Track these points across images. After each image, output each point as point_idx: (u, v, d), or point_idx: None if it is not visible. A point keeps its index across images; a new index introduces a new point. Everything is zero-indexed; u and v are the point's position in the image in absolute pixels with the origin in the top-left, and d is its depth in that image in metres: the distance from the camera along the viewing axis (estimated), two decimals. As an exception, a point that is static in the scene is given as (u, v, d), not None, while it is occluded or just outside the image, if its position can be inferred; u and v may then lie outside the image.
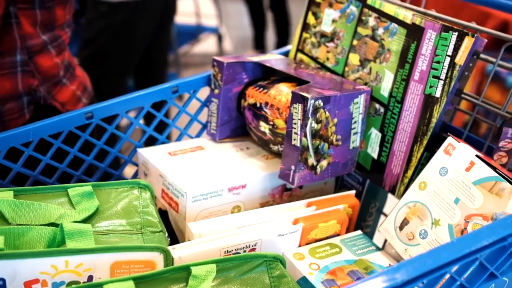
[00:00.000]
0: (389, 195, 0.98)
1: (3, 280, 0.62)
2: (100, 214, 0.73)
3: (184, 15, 3.70)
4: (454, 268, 0.55)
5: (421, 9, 0.91)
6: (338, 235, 0.82)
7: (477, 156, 0.71)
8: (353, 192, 0.88)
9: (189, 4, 3.84)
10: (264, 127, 0.87)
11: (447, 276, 0.57)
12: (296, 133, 0.78)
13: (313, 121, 0.77)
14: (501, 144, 0.79)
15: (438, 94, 0.79)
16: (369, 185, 0.94)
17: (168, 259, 0.67)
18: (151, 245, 0.66)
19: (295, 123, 0.77)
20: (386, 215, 0.93)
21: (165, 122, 0.95)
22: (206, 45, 4.01)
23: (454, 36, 0.77)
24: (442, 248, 0.53)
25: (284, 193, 0.89)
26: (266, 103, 0.86)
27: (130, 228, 0.72)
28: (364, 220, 0.97)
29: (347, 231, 0.84)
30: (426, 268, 0.51)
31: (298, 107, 0.76)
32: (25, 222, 0.69)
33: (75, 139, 0.87)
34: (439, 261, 0.51)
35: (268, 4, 3.84)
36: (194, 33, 3.88)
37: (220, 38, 3.96)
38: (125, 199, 0.76)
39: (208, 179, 0.82)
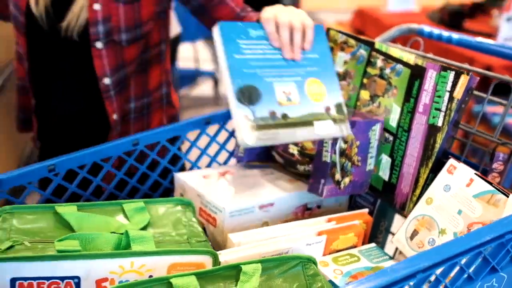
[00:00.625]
0: (396, 216, 1.10)
1: (78, 278, 0.72)
2: (151, 226, 0.84)
3: (184, 60, 3.88)
4: (463, 260, 0.67)
5: (421, 52, 1.06)
6: (355, 246, 0.94)
7: (475, 173, 0.84)
8: (366, 210, 1.00)
9: (188, 50, 4.02)
10: (293, 149, 0.99)
11: (457, 268, 0.68)
12: (326, 151, 0.91)
13: (341, 141, 0.90)
14: (494, 166, 0.92)
15: (440, 124, 0.92)
16: (379, 206, 1.06)
17: (216, 262, 0.77)
18: (203, 249, 0.77)
19: (325, 142, 0.91)
20: (393, 234, 1.05)
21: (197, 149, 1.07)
22: (204, 87, 4.18)
23: (451, 75, 0.91)
24: (453, 242, 0.65)
25: (306, 212, 1.01)
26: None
27: (178, 238, 0.83)
28: (376, 237, 1.08)
29: (362, 243, 0.96)
30: (442, 257, 0.63)
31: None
32: (89, 232, 0.80)
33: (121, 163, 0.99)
34: (451, 252, 0.63)
35: None
36: (192, 76, 4.06)
37: (216, 82, 4.13)
38: (172, 213, 0.87)
39: (242, 198, 0.94)
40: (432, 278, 0.67)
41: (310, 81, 0.90)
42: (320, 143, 0.91)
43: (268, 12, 0.91)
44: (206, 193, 0.95)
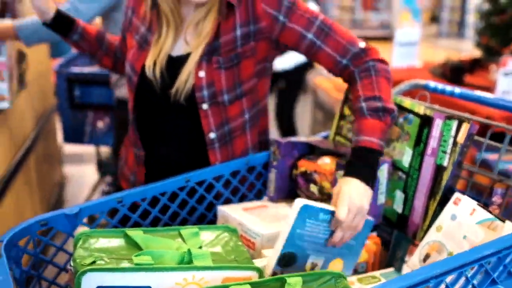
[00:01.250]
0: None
1: (150, 287, 0.88)
2: (204, 247, 1.00)
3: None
4: (469, 271, 0.82)
5: (428, 104, 1.24)
6: (367, 262, 1.09)
7: (477, 204, 1.00)
8: (375, 233, 1.15)
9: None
10: (313, 188, 1.16)
11: (463, 279, 0.84)
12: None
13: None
14: (493, 199, 1.09)
15: (446, 164, 1.09)
16: (395, 237, 1.21)
17: (261, 276, 0.93)
18: (251, 265, 0.93)
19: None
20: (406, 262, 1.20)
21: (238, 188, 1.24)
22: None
23: (455, 123, 1.09)
24: (459, 255, 0.81)
25: (331, 240, 1.16)
26: (315, 171, 1.16)
27: (228, 258, 0.98)
28: (392, 265, 1.23)
29: (373, 260, 1.11)
30: (450, 266, 0.78)
31: (342, 172, 1.07)
32: (155, 249, 0.95)
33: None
34: (457, 262, 0.79)
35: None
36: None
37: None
38: (220, 238, 1.03)
39: (275, 226, 1.10)
40: (442, 286, 0.82)
41: (335, 261, 1.05)
42: (334, 182, 1.08)
43: (343, 202, 1.00)
44: (246, 222, 1.11)
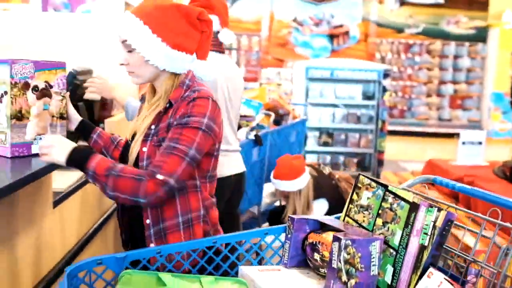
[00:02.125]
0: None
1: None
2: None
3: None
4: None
5: (418, 191, 1.45)
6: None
7: (444, 278, 1.19)
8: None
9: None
10: (316, 256, 1.39)
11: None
12: (334, 260, 1.30)
13: (344, 253, 1.30)
14: (468, 278, 1.26)
15: (426, 243, 1.29)
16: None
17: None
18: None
19: (334, 254, 1.30)
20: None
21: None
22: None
23: (435, 210, 1.30)
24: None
25: (330, 304, 1.37)
26: (319, 242, 1.40)
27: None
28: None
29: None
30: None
31: (336, 244, 1.30)
32: (178, 291, 1.23)
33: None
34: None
35: None
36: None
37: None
38: (231, 287, 1.29)
39: (283, 285, 1.34)
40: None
41: None
42: (331, 254, 1.31)
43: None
44: (257, 280, 1.36)
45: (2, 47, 3.44)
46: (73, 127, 1.89)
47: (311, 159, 6.92)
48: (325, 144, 6.98)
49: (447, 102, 12.16)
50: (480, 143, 3.95)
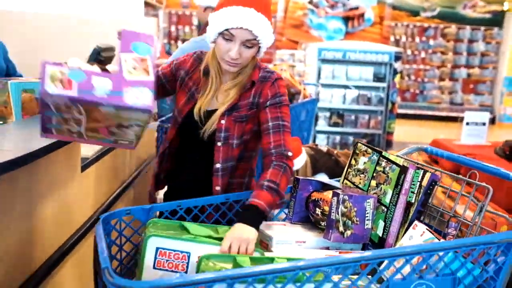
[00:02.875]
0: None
1: (189, 252, 1.35)
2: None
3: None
4: (399, 260, 1.20)
5: (407, 157, 1.63)
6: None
7: (426, 229, 1.38)
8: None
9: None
10: (318, 211, 1.59)
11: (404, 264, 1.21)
12: (333, 212, 1.49)
13: (342, 206, 1.49)
14: (449, 231, 1.44)
15: (413, 201, 1.48)
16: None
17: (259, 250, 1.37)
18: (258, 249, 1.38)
19: (333, 207, 1.49)
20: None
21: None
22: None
23: (421, 172, 1.48)
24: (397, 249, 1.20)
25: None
26: (321, 198, 1.59)
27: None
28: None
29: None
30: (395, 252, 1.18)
31: (335, 198, 1.49)
32: (198, 234, 1.43)
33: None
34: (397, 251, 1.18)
35: None
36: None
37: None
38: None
39: (286, 235, 1.53)
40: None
41: None
42: (331, 207, 1.50)
43: (226, 237, 1.41)
44: (265, 231, 1.56)
45: (31, 26, 3.66)
46: None
47: (321, 139, 7.10)
48: (335, 124, 7.14)
49: (459, 86, 12.20)
50: (484, 124, 4.10)
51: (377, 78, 7.14)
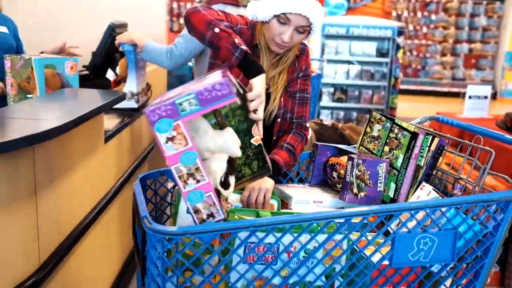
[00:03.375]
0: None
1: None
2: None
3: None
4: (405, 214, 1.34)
5: (418, 125, 1.77)
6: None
7: (432, 189, 1.51)
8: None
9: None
10: (334, 174, 1.72)
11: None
12: (348, 175, 1.63)
13: (356, 170, 1.62)
14: (455, 192, 1.58)
15: (422, 164, 1.61)
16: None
17: (279, 205, 1.51)
18: (274, 196, 1.52)
19: (348, 170, 1.63)
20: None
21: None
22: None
23: (430, 137, 1.61)
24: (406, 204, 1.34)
25: (343, 212, 1.71)
26: (337, 163, 1.73)
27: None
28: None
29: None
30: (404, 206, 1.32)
31: (350, 162, 1.63)
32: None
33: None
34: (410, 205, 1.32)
35: None
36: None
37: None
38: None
39: (304, 195, 1.68)
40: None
41: None
42: (346, 170, 1.64)
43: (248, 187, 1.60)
44: (285, 191, 1.70)
45: (41, 6, 3.74)
46: None
47: (325, 114, 7.22)
48: (339, 100, 7.25)
49: (461, 61, 12.26)
50: (486, 97, 4.21)
51: (380, 53, 7.23)
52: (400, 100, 7.55)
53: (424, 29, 12.20)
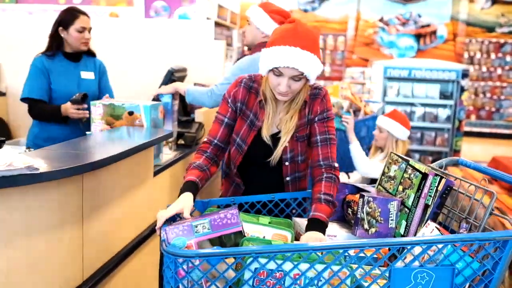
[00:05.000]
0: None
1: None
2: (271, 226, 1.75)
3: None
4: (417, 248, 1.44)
5: (427, 165, 1.85)
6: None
7: (436, 227, 1.59)
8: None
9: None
10: (350, 211, 1.84)
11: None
12: (359, 211, 1.74)
13: (367, 206, 1.73)
14: (460, 231, 1.65)
15: (430, 203, 1.69)
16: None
17: (293, 237, 1.64)
18: (288, 228, 1.65)
19: (359, 207, 1.74)
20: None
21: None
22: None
23: (438, 178, 1.70)
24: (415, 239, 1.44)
25: (356, 247, 1.81)
26: (352, 200, 1.84)
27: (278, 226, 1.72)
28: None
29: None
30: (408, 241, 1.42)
31: (361, 199, 1.74)
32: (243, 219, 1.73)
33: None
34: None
35: None
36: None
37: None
38: (279, 222, 1.77)
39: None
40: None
41: None
42: (358, 207, 1.75)
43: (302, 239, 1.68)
44: (302, 225, 1.83)
45: (112, 50, 4.16)
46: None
47: (387, 155, 7.18)
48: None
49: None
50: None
51: (444, 95, 7.17)
52: (471, 143, 7.39)
53: (499, 71, 11.87)
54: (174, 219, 1.67)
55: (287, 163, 1.98)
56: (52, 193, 1.71)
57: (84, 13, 3.13)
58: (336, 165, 1.92)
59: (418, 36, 12.21)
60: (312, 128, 1.96)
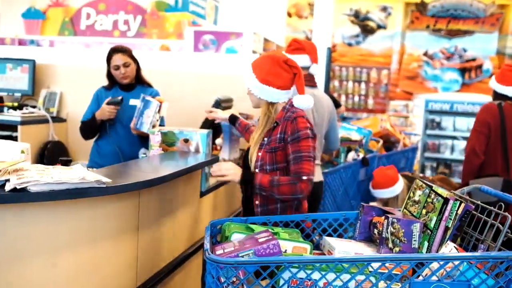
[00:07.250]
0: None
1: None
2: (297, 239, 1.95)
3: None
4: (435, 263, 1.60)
5: (447, 191, 2.01)
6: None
7: (454, 246, 1.75)
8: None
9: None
10: (375, 231, 2.01)
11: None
12: (384, 231, 1.91)
13: (391, 227, 1.90)
14: (478, 251, 1.80)
15: (450, 226, 1.85)
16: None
17: (311, 249, 1.82)
18: (306, 241, 1.84)
19: (384, 227, 1.91)
20: None
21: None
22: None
23: (458, 202, 1.86)
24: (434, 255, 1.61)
25: (382, 264, 1.97)
26: (378, 221, 2.02)
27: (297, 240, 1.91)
28: None
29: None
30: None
31: (386, 220, 1.91)
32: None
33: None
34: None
35: None
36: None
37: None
38: (296, 236, 1.96)
39: (348, 247, 1.98)
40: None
41: None
42: (383, 228, 1.92)
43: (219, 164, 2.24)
44: (332, 243, 2.01)
45: (163, 81, 4.50)
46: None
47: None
48: (442, 174, 7.24)
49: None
50: None
51: (486, 129, 7.18)
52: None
53: (547, 106, 11.66)
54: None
55: (257, 170, 2.30)
56: (114, 206, 1.97)
57: (117, 51, 3.44)
58: (304, 177, 2.22)
59: (463, 70, 12.18)
60: (287, 149, 2.27)
